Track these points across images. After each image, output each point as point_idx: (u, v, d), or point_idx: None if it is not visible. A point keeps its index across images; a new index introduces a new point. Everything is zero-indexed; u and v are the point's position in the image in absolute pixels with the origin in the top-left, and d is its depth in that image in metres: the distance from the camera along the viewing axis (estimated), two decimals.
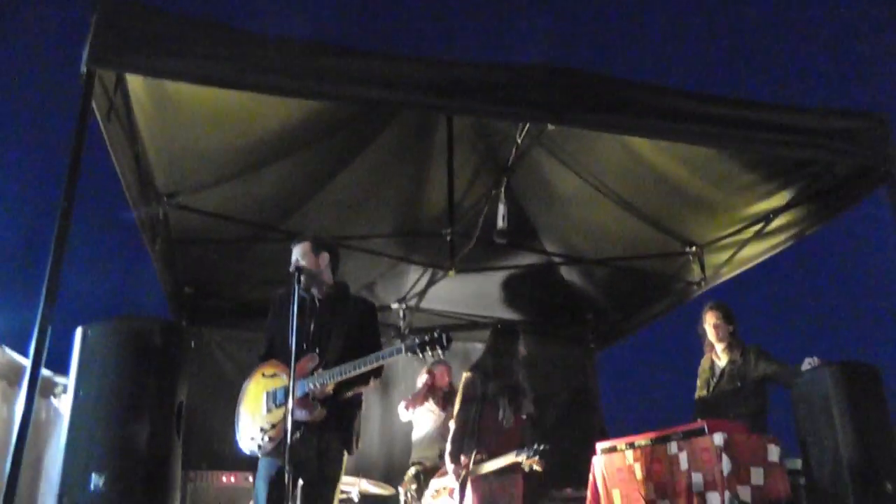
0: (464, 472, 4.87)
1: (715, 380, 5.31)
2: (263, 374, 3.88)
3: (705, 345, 5.41)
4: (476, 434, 4.97)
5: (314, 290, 3.98)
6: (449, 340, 3.63)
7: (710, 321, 5.33)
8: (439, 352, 3.66)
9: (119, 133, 4.27)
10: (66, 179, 3.43)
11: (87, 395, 3.06)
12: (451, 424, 5.15)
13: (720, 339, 5.29)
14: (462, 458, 4.94)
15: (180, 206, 5.49)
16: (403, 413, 6.77)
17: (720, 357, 5.33)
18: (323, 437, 3.80)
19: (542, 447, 4.53)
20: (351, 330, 3.99)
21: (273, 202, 5.87)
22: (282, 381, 3.78)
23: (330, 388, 3.75)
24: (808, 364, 4.69)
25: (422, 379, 6.75)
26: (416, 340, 3.66)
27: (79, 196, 3.41)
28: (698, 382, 5.47)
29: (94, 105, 3.64)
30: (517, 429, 5.06)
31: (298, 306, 3.57)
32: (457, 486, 4.96)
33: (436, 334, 3.64)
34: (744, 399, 5.07)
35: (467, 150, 5.71)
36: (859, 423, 4.11)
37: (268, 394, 3.81)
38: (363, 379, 3.84)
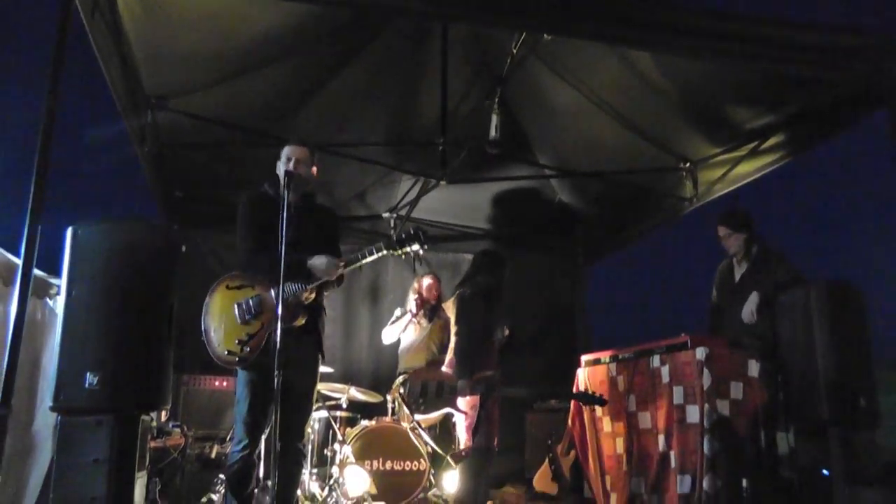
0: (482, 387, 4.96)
1: (732, 287, 5.21)
2: (228, 287, 3.82)
3: None
4: (482, 350, 5.05)
5: (292, 197, 3.83)
6: (426, 236, 3.82)
7: (719, 235, 5.28)
8: (418, 248, 3.81)
9: (104, 32, 4.17)
10: (50, 75, 3.36)
11: (79, 295, 3.08)
12: (454, 338, 5.18)
13: (733, 251, 5.23)
14: (474, 373, 5.02)
15: (169, 110, 5.41)
16: (388, 336, 6.85)
17: (739, 264, 5.24)
18: (301, 343, 3.85)
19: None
20: (320, 237, 4.02)
21: (264, 107, 5.78)
22: (251, 290, 3.78)
23: (312, 293, 3.82)
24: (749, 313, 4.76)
25: (412, 298, 6.81)
26: (395, 237, 3.82)
27: (68, 98, 3.36)
28: (714, 289, 5.41)
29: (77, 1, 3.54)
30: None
31: (277, 211, 3.59)
32: (467, 403, 5.07)
33: (412, 230, 3.83)
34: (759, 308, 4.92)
35: (461, 59, 5.61)
36: (838, 341, 4.20)
37: (238, 305, 3.76)
38: (338, 281, 3.98)
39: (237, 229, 3.98)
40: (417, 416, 5.82)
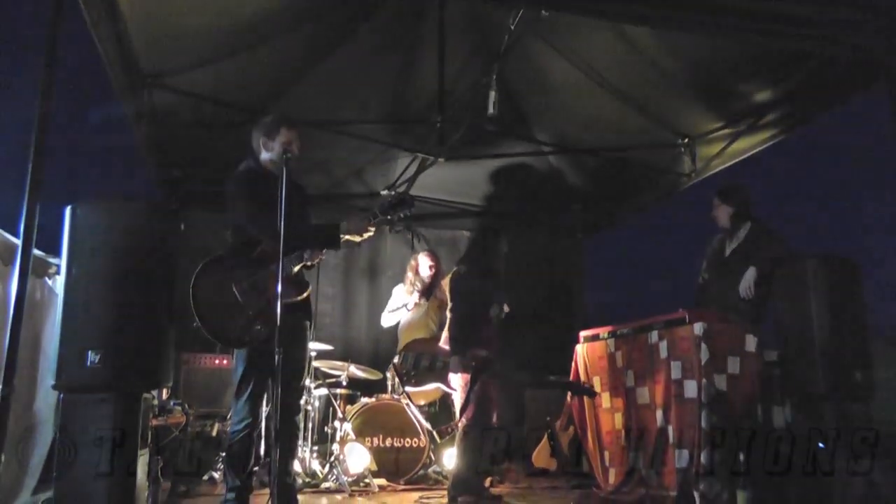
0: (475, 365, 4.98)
1: (720, 261, 5.21)
2: (219, 268, 3.82)
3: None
4: (476, 328, 5.07)
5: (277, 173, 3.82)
6: (412, 199, 3.92)
7: (713, 206, 5.27)
8: (407, 212, 3.88)
9: (100, 10, 4.14)
10: (46, 54, 3.35)
11: (79, 273, 3.08)
12: (448, 315, 5.20)
13: (723, 223, 5.23)
14: (467, 350, 5.04)
15: (166, 88, 5.38)
16: (387, 321, 6.87)
17: (730, 240, 5.22)
18: (296, 317, 3.89)
19: None
20: (304, 211, 4.11)
21: (261, 85, 5.76)
22: (247, 269, 3.79)
23: (311, 263, 3.90)
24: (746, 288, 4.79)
25: (410, 275, 6.82)
26: (381, 203, 3.90)
27: (65, 77, 3.34)
28: (704, 263, 5.40)
29: None
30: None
31: (271, 190, 3.63)
32: (458, 380, 5.10)
33: (398, 194, 3.87)
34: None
35: (459, 36, 5.58)
36: (835, 315, 4.22)
37: (237, 284, 3.78)
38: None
39: (240, 205, 3.92)
40: (408, 388, 5.85)
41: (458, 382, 5.14)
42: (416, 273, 6.76)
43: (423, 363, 5.99)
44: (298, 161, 3.92)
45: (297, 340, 3.88)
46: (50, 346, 3.18)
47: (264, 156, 4.00)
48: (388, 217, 3.92)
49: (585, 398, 5.47)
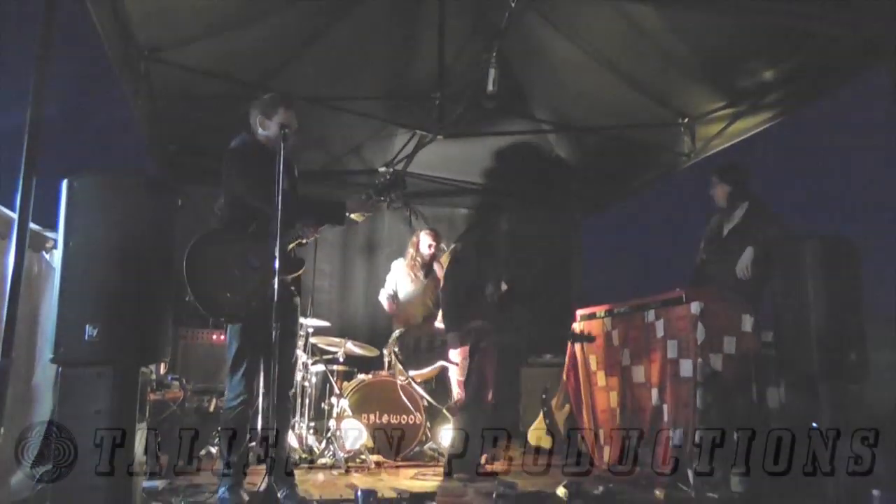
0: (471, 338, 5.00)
1: (718, 241, 5.20)
2: (218, 241, 3.83)
3: None
4: (471, 302, 5.07)
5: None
6: (403, 179, 4.04)
7: (711, 184, 5.27)
8: (399, 192, 3.97)
9: None
10: (41, 27, 3.32)
11: (76, 247, 3.07)
12: (440, 293, 5.19)
13: (720, 201, 5.22)
14: (462, 324, 5.05)
15: (163, 62, 5.35)
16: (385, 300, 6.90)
17: (728, 219, 5.21)
18: (289, 293, 3.92)
19: None
20: (296, 186, 4.13)
21: (259, 60, 5.73)
22: (243, 243, 3.79)
23: (308, 239, 3.97)
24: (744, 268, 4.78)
25: (410, 251, 6.82)
26: (375, 184, 4.00)
27: (60, 51, 3.31)
28: (702, 243, 5.39)
29: None
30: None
31: (266, 165, 3.65)
32: (457, 354, 5.11)
33: (390, 175, 4.03)
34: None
35: (459, 12, 5.54)
36: (832, 296, 4.22)
37: (232, 258, 3.77)
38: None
39: (238, 179, 3.90)
40: (412, 372, 5.88)
41: (457, 357, 5.15)
42: (417, 249, 6.76)
43: (422, 345, 6.02)
44: (296, 136, 3.93)
45: (288, 316, 3.89)
46: (48, 320, 3.17)
47: (261, 133, 3.99)
48: (383, 198, 3.99)
49: (581, 373, 5.50)
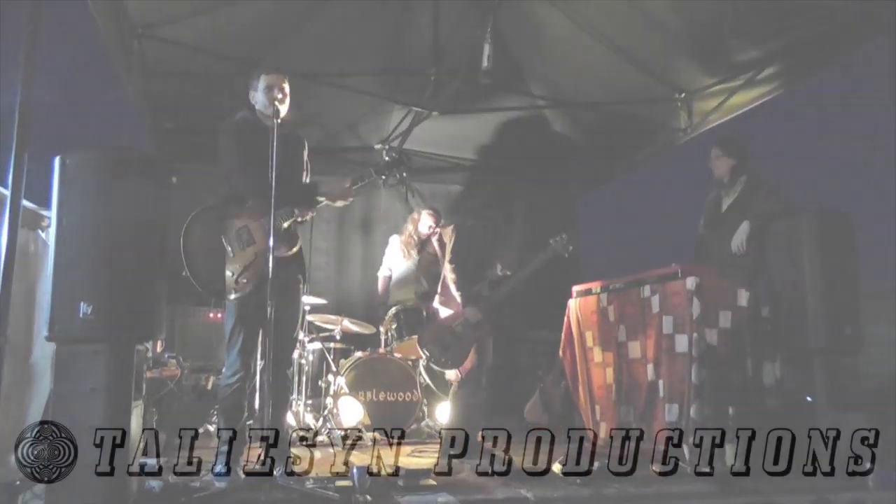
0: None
1: (718, 216, 5.15)
2: (212, 218, 3.84)
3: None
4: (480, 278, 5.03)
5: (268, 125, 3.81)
6: (409, 159, 4.05)
7: (711, 156, 5.20)
8: (403, 172, 4.00)
9: None
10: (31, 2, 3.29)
11: (70, 223, 3.05)
12: (448, 269, 5.08)
13: (721, 175, 5.16)
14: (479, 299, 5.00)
15: (156, 38, 5.30)
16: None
17: (727, 194, 5.16)
18: (288, 272, 3.90)
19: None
20: (297, 164, 4.08)
21: (255, 36, 5.68)
22: (238, 220, 3.80)
23: (304, 218, 3.94)
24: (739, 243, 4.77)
25: (409, 229, 6.81)
26: (378, 163, 4.01)
27: (51, 28, 3.28)
28: (702, 218, 5.34)
29: None
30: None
31: (261, 141, 3.63)
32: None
33: (396, 155, 4.04)
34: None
35: None
36: (827, 270, 4.23)
37: (227, 235, 3.80)
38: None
39: (226, 157, 3.93)
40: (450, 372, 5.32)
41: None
42: (416, 227, 6.75)
43: (448, 342, 5.39)
44: (293, 110, 3.90)
45: (288, 295, 3.88)
46: (44, 298, 3.16)
47: (258, 107, 3.98)
48: (384, 176, 3.97)
49: (577, 349, 5.49)
